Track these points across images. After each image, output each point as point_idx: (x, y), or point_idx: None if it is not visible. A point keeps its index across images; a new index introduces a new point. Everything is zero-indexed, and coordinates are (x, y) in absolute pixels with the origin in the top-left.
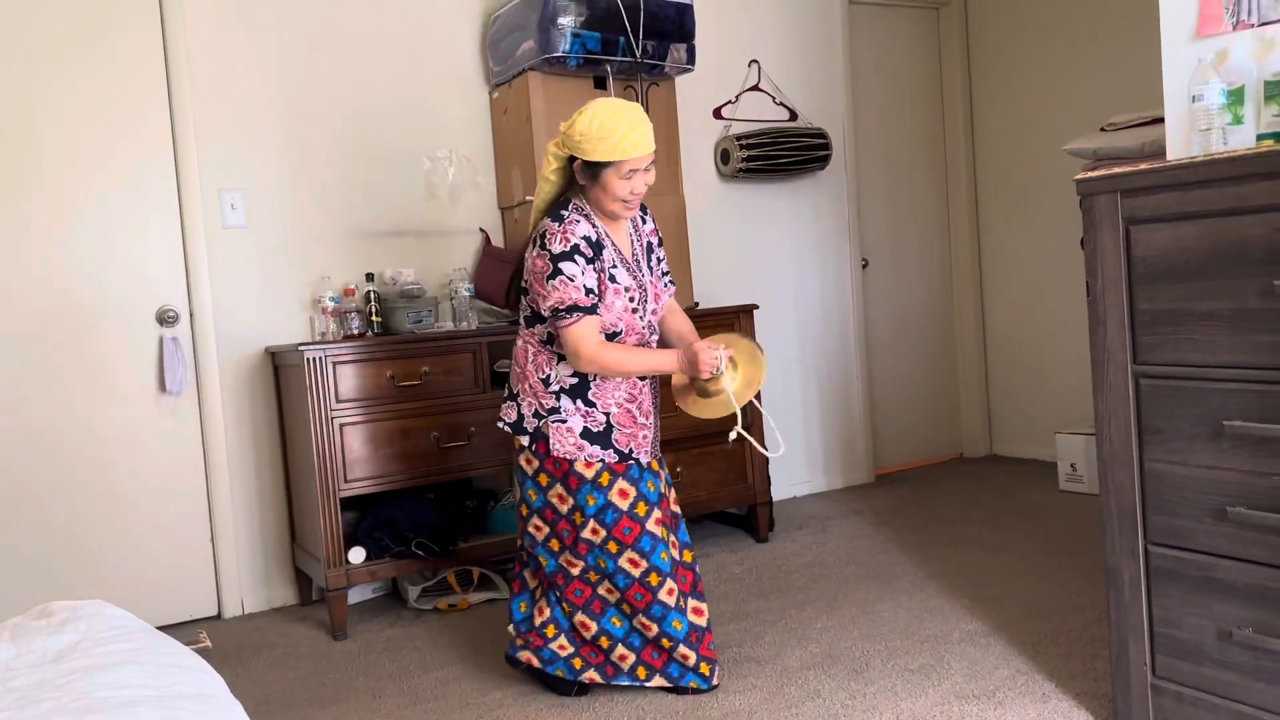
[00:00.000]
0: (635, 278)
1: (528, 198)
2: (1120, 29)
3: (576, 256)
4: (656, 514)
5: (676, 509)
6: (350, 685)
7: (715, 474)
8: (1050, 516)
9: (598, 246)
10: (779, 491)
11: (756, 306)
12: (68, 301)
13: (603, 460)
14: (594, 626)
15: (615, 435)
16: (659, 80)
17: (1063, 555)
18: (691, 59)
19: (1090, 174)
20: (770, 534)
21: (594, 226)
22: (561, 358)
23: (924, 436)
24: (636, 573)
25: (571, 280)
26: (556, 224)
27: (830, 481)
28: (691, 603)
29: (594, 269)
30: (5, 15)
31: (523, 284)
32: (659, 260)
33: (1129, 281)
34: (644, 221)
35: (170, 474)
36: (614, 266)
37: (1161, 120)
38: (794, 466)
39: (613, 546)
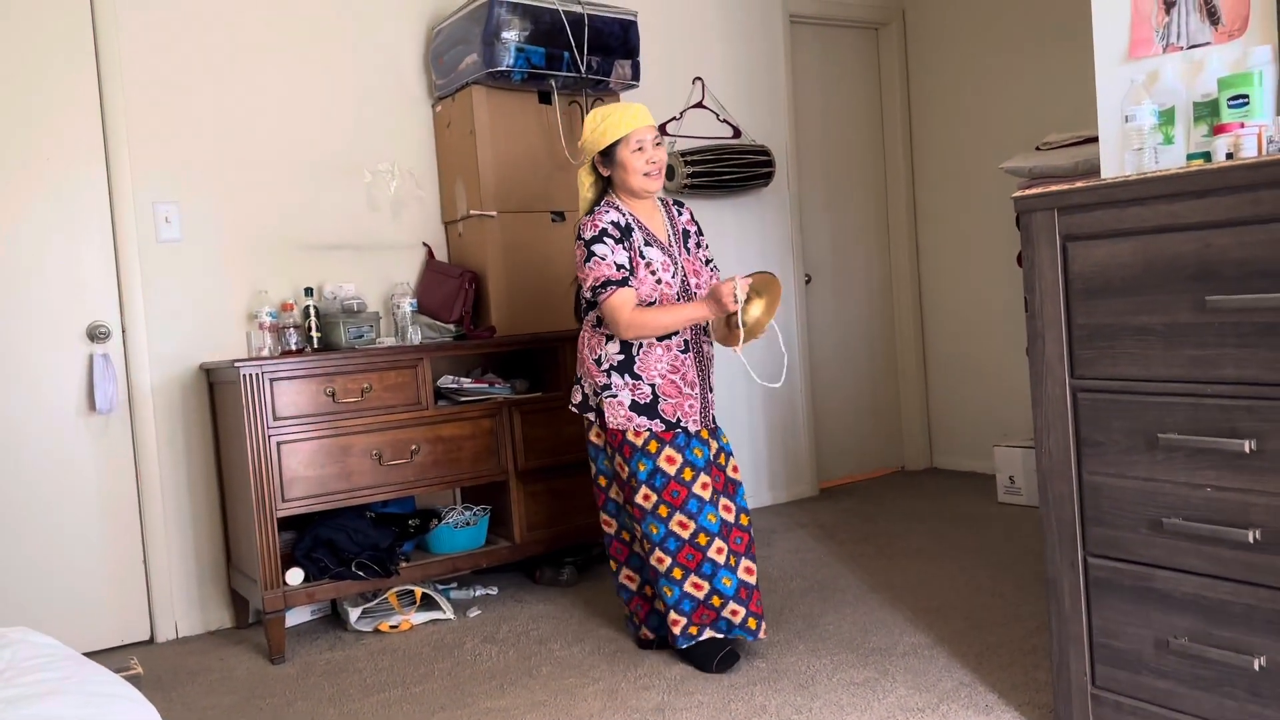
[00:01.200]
0: (670, 255)
1: (472, 212)
2: (1055, 51)
3: (605, 239)
4: (704, 478)
5: (735, 475)
6: (289, 710)
7: None
8: (990, 528)
9: (626, 229)
10: None
11: None
12: None
13: (650, 429)
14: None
15: (661, 405)
16: (603, 96)
17: (1003, 567)
18: (636, 75)
19: (1028, 191)
20: None
21: (623, 214)
22: (610, 338)
23: (866, 450)
24: (685, 534)
25: (603, 260)
26: (588, 217)
27: (774, 495)
28: (744, 562)
29: (623, 248)
30: None
31: (578, 278)
32: (700, 246)
33: (1066, 297)
34: (679, 212)
35: (101, 495)
36: (646, 245)
37: (1094, 140)
38: (750, 480)
39: (663, 510)
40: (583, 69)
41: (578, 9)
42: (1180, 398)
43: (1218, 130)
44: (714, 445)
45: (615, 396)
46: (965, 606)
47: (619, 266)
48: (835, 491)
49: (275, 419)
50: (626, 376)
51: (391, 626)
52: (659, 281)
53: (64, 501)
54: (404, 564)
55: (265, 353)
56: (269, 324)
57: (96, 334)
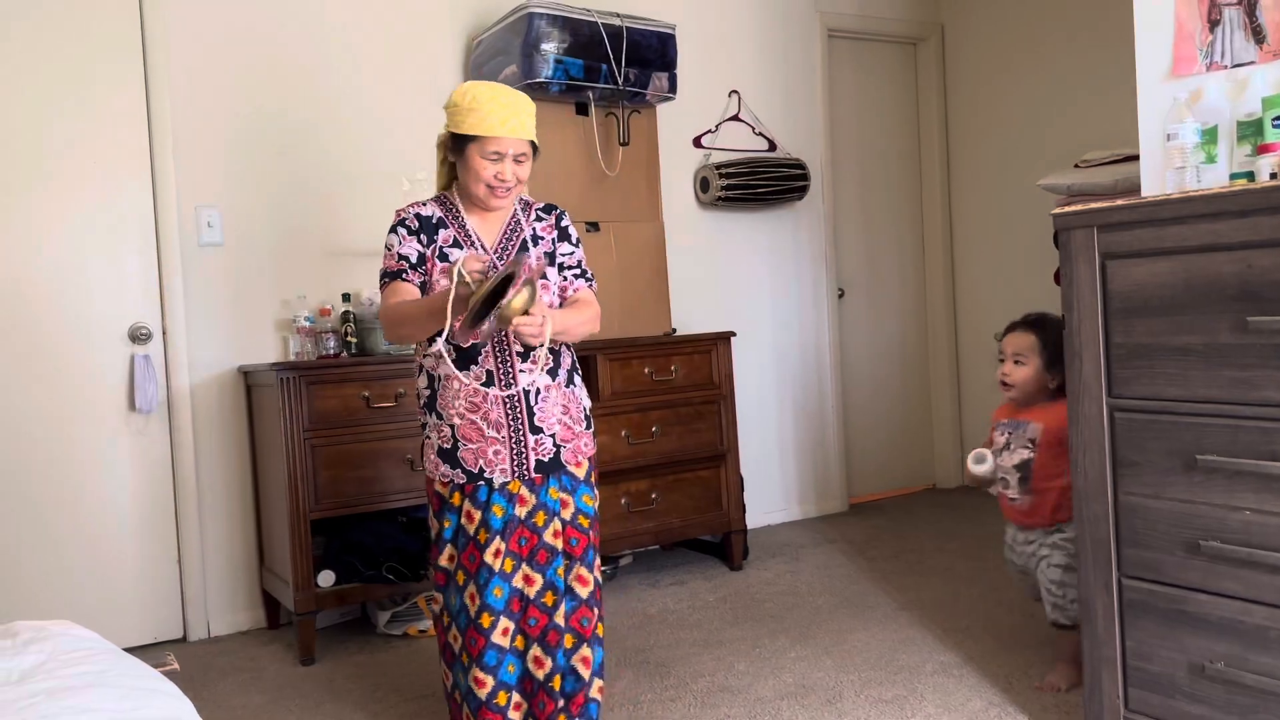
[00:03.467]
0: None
1: None
2: (1095, 67)
3: (399, 229)
4: (497, 543)
5: (554, 541)
6: (317, 711)
7: (690, 501)
8: None
9: (433, 225)
10: (753, 519)
11: (734, 334)
12: (39, 317)
13: (452, 480)
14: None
15: (461, 452)
16: (640, 108)
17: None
18: (673, 88)
19: (1067, 209)
20: (744, 562)
21: (444, 209)
22: (420, 369)
23: (898, 466)
24: (473, 610)
25: (389, 249)
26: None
27: (804, 510)
28: (534, 650)
29: (419, 241)
30: None
31: None
32: (553, 256)
33: (1105, 315)
34: (539, 219)
35: (138, 493)
36: (453, 245)
37: (1134, 157)
38: (768, 495)
39: (460, 577)
40: (620, 81)
41: (616, 21)
42: (1220, 419)
43: (1262, 150)
44: (530, 501)
45: (429, 438)
46: (995, 626)
47: (401, 257)
48: (866, 508)
49: (311, 423)
50: (433, 416)
51: (420, 630)
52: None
53: (103, 499)
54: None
55: (302, 357)
56: (306, 328)
57: (138, 335)
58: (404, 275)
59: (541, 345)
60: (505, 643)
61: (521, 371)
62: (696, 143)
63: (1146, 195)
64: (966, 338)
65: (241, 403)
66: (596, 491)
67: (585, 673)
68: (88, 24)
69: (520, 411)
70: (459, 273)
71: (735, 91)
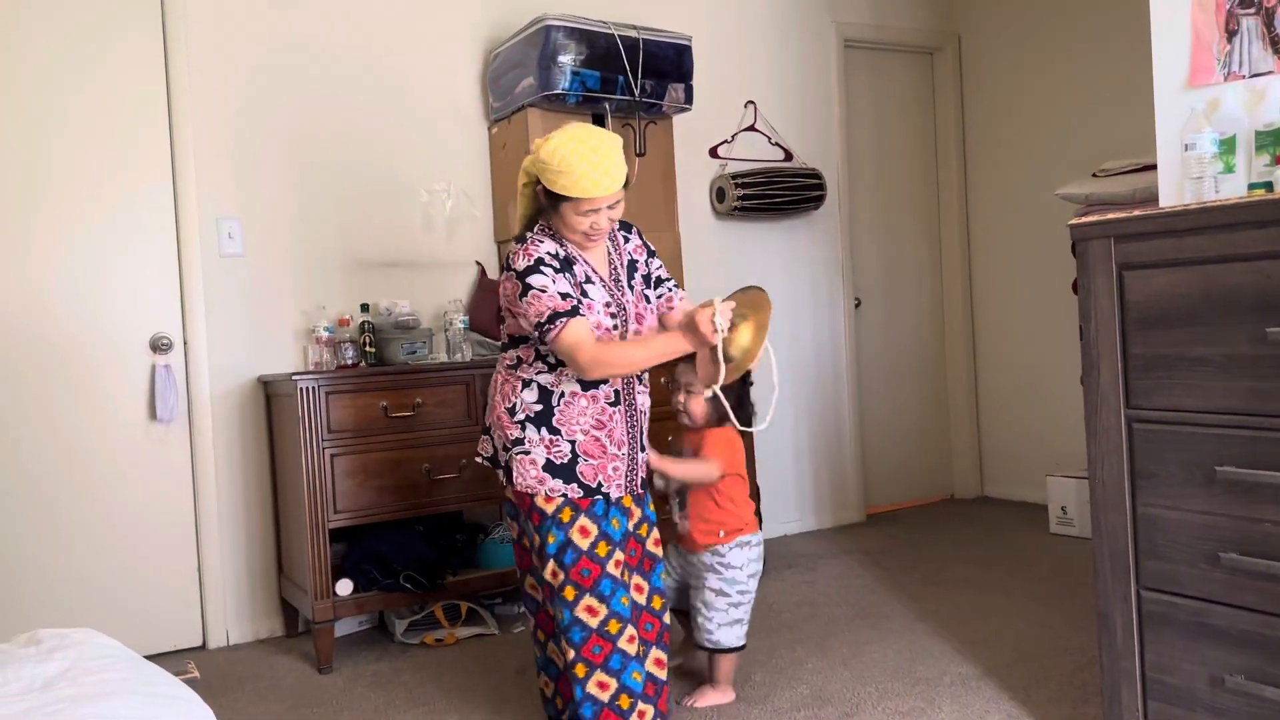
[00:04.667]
0: (614, 295)
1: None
2: (1113, 76)
3: (542, 268)
4: (618, 554)
5: (655, 549)
6: (335, 719)
7: None
8: (1040, 559)
9: (566, 262)
10: (769, 529)
11: None
12: (60, 327)
13: (564, 495)
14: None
15: (580, 467)
16: (657, 119)
17: (1053, 599)
18: (689, 99)
19: (1085, 219)
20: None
21: (561, 245)
22: (527, 384)
23: (915, 477)
24: (594, 622)
25: (544, 291)
26: (520, 245)
27: (821, 520)
28: (654, 653)
29: (565, 278)
30: (6, 40)
31: (499, 313)
32: (650, 275)
33: (1122, 326)
34: (625, 239)
35: (158, 502)
36: (587, 282)
37: (1152, 167)
38: (784, 505)
39: (570, 592)
40: (637, 92)
41: (633, 33)
42: (1239, 430)
43: None
44: (636, 514)
45: (528, 454)
46: (1014, 638)
47: (564, 295)
48: (883, 518)
49: (329, 432)
50: (543, 431)
51: (437, 640)
52: (597, 327)
53: (123, 507)
54: (450, 578)
55: (321, 366)
56: (325, 338)
57: (159, 345)
58: (580, 311)
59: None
60: (631, 650)
61: (639, 393)
62: (713, 153)
63: (1164, 206)
64: (984, 347)
65: (261, 412)
66: None
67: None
68: (110, 37)
69: (636, 430)
70: (719, 323)
71: (751, 102)
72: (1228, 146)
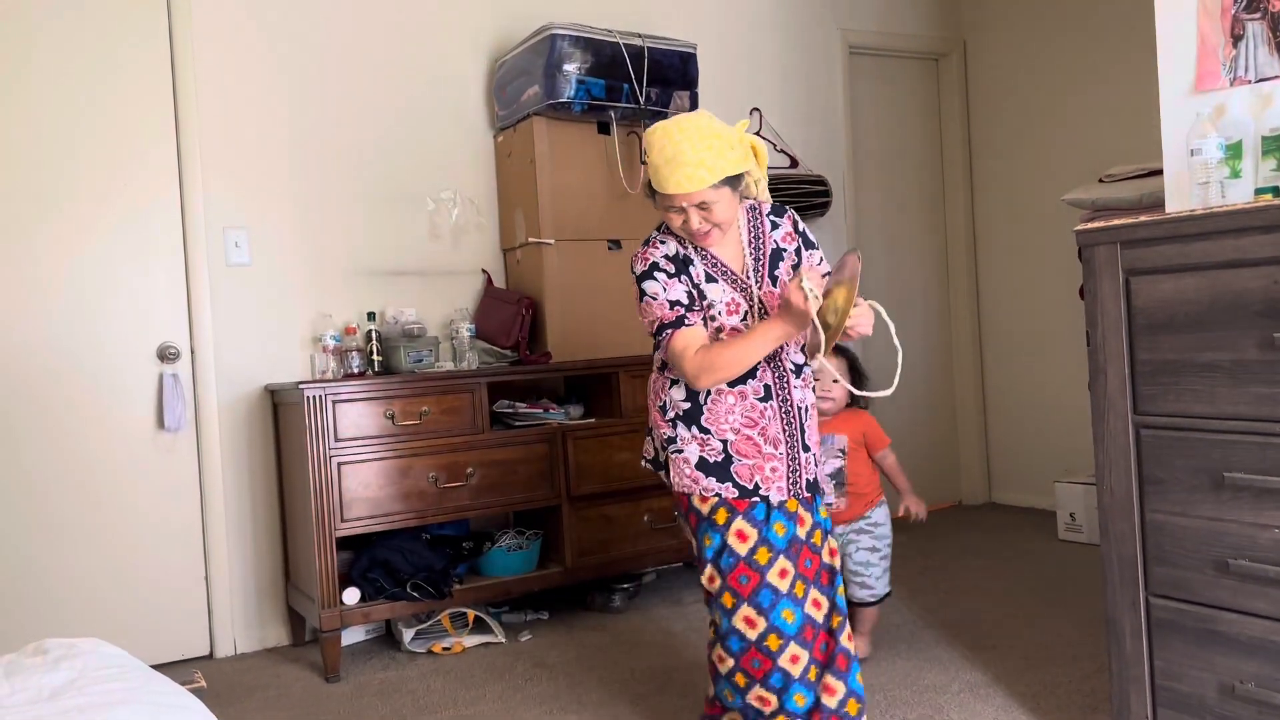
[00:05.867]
0: (742, 290)
1: (530, 240)
2: (1119, 81)
3: (656, 274)
4: (782, 563)
5: (833, 560)
6: None
7: None
8: (1049, 566)
9: (683, 262)
10: None
11: None
12: (69, 336)
13: (719, 495)
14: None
15: (735, 466)
16: None
17: (1062, 605)
18: (694, 106)
19: (1091, 225)
20: None
21: (682, 244)
22: (674, 382)
23: (923, 483)
24: (753, 635)
25: (655, 299)
26: (642, 248)
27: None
28: (827, 678)
29: (680, 281)
30: (14, 52)
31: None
32: (797, 265)
33: (1129, 331)
34: (774, 225)
35: (166, 511)
36: (708, 280)
37: (1159, 172)
38: None
39: (728, 599)
40: (642, 100)
41: (638, 42)
42: (1247, 436)
43: None
44: (807, 521)
45: (681, 452)
46: (1022, 645)
47: (673, 304)
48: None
49: (336, 440)
50: (694, 429)
51: (444, 648)
52: (719, 329)
53: (131, 516)
54: (457, 586)
55: (328, 375)
56: (332, 347)
57: (167, 354)
58: (686, 321)
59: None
60: (795, 671)
61: (795, 387)
62: None
63: (1171, 211)
64: (991, 354)
65: (268, 421)
66: None
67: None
68: (117, 46)
69: (795, 428)
70: (809, 289)
71: (756, 109)
72: (1234, 151)
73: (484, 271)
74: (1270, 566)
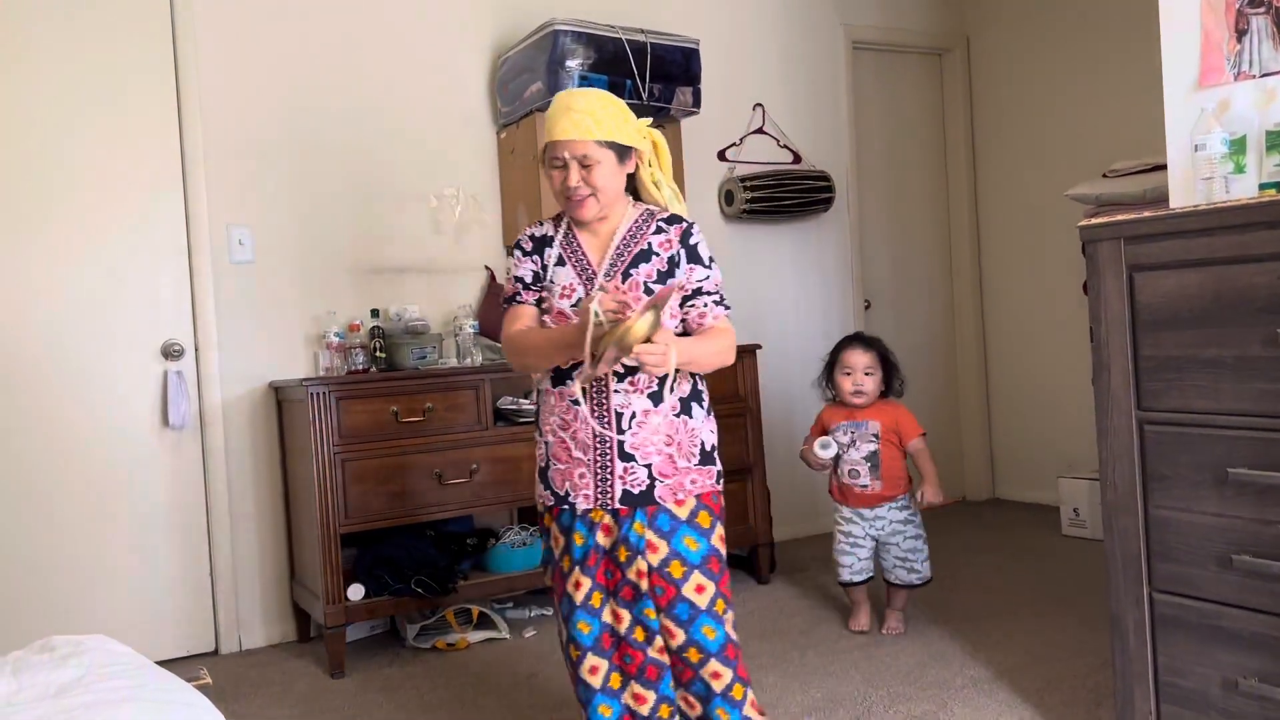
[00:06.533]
0: (587, 279)
1: None
2: (1122, 76)
3: (515, 250)
4: (578, 575)
5: (638, 581)
6: None
7: None
8: (1052, 561)
9: (543, 241)
10: (781, 533)
11: (759, 346)
12: (73, 334)
13: (542, 500)
14: None
15: (551, 471)
16: (665, 123)
17: (1065, 601)
18: (697, 102)
19: (1094, 220)
20: (771, 575)
21: (556, 226)
22: (536, 383)
23: None
24: (562, 639)
25: (508, 274)
26: None
27: (832, 524)
28: (634, 687)
29: (533, 261)
30: (18, 50)
31: None
32: (668, 274)
33: (1133, 327)
34: (659, 231)
35: (171, 508)
36: (557, 264)
37: (1163, 167)
38: (796, 509)
39: (563, 606)
40: (645, 96)
41: (640, 38)
42: (1251, 432)
43: None
44: (614, 533)
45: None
46: (1026, 640)
47: (516, 279)
48: None
49: (340, 437)
50: (538, 432)
51: (449, 644)
52: (559, 312)
53: (136, 514)
54: (462, 582)
55: (332, 372)
56: (336, 344)
57: (171, 352)
58: (519, 298)
59: (666, 376)
60: (595, 682)
61: (616, 392)
62: (721, 156)
63: (1174, 207)
64: (995, 349)
65: (273, 418)
66: (719, 533)
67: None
68: (120, 45)
69: (611, 436)
70: (595, 312)
71: (759, 105)
72: (1238, 147)
73: (487, 268)
74: (1274, 562)
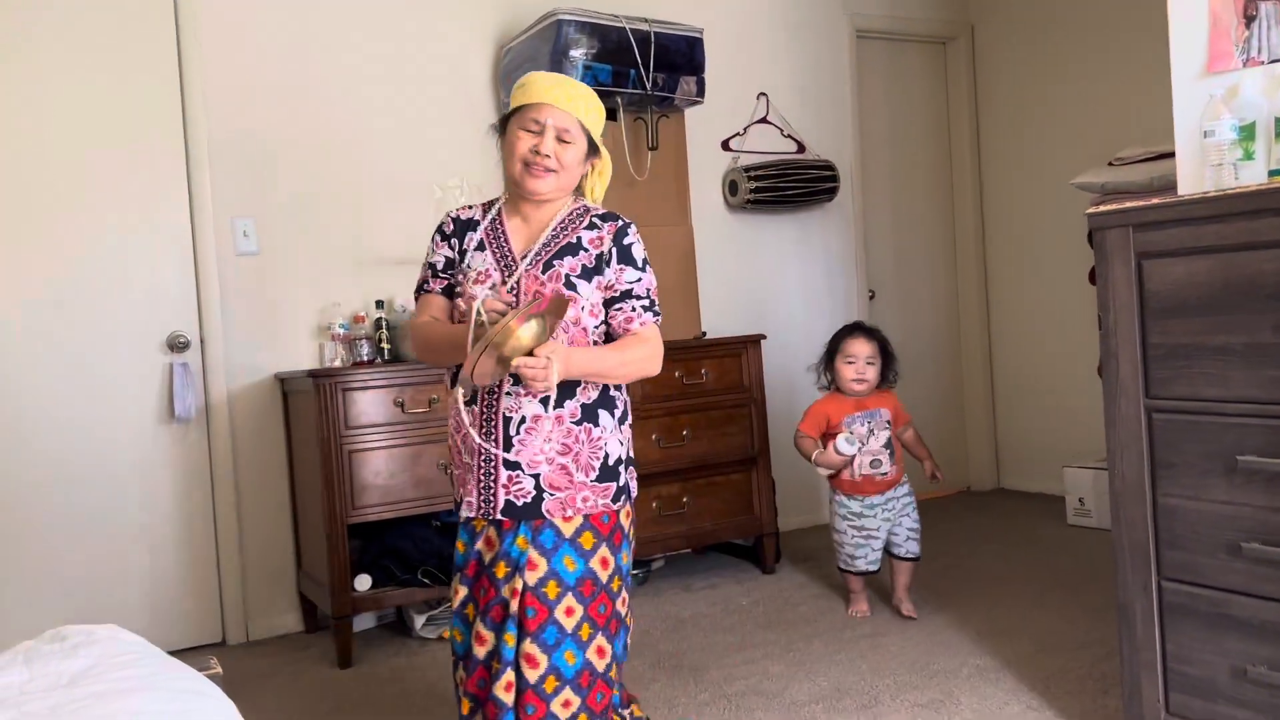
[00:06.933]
0: (505, 266)
1: None
2: (1129, 63)
3: (436, 235)
4: (457, 581)
5: (511, 600)
6: (354, 714)
7: (722, 504)
8: (1058, 551)
9: (466, 226)
10: (786, 523)
11: (764, 337)
12: (78, 327)
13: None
14: None
15: (453, 472)
16: (669, 112)
17: (1071, 590)
18: (701, 91)
19: (1102, 208)
20: (777, 565)
21: (485, 210)
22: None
23: None
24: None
25: (426, 258)
26: None
27: (837, 518)
28: (491, 707)
29: (449, 247)
30: (23, 41)
31: None
32: (595, 270)
33: (1141, 315)
34: (593, 228)
35: (177, 499)
36: (477, 249)
37: (1169, 155)
38: (800, 500)
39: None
40: (649, 86)
41: (644, 27)
42: (1260, 419)
43: None
44: (495, 546)
45: None
46: (1033, 630)
47: (428, 266)
48: None
49: (346, 428)
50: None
51: None
52: (471, 299)
53: (142, 505)
54: None
55: (337, 363)
56: (341, 335)
57: (176, 344)
58: (427, 286)
59: (551, 396)
60: (463, 692)
61: (507, 394)
62: (725, 146)
63: (1183, 194)
64: (1000, 338)
65: (279, 409)
66: (600, 556)
67: None
68: (124, 38)
69: (496, 441)
70: (478, 311)
71: (763, 94)
72: (1247, 133)
73: None
74: None
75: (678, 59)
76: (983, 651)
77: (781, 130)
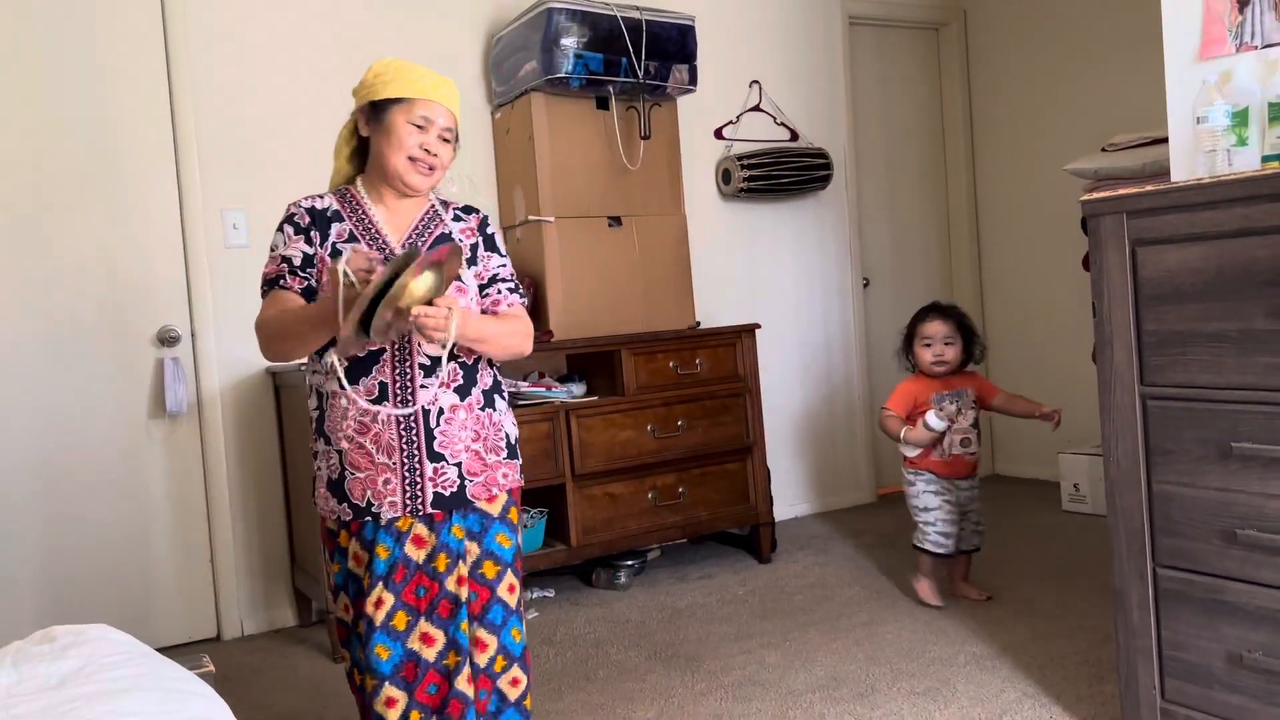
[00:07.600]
0: (383, 261)
1: (530, 217)
2: (1121, 49)
3: (286, 226)
4: (379, 592)
5: (458, 590)
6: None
7: (717, 494)
8: (1053, 537)
9: (326, 219)
10: (781, 512)
11: (758, 326)
12: (67, 321)
13: (338, 516)
14: None
15: (348, 482)
16: (661, 101)
17: (1066, 577)
18: (693, 79)
19: (1096, 195)
20: (772, 554)
21: (342, 200)
22: (310, 384)
23: None
24: (347, 668)
25: (272, 251)
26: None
27: (832, 502)
28: (455, 704)
29: (306, 241)
30: (6, 31)
31: None
32: (469, 261)
33: (1135, 302)
34: (458, 220)
35: (169, 494)
36: (349, 239)
37: (1163, 141)
38: (795, 487)
39: (361, 626)
40: (640, 74)
41: (636, 14)
42: (1255, 406)
43: None
44: (428, 543)
45: (319, 469)
46: (1028, 616)
47: (282, 260)
48: (894, 498)
49: None
50: (321, 440)
51: None
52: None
53: (135, 500)
54: None
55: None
56: None
57: (167, 338)
58: (283, 282)
59: (446, 346)
60: (392, 717)
61: (422, 387)
62: (718, 134)
63: (1176, 180)
64: (994, 326)
65: (270, 403)
66: (517, 532)
67: None
68: (111, 29)
69: (417, 434)
70: (344, 272)
71: (756, 82)
72: (1240, 119)
73: None
74: (1278, 536)
75: (670, 47)
76: (979, 639)
77: (774, 118)
